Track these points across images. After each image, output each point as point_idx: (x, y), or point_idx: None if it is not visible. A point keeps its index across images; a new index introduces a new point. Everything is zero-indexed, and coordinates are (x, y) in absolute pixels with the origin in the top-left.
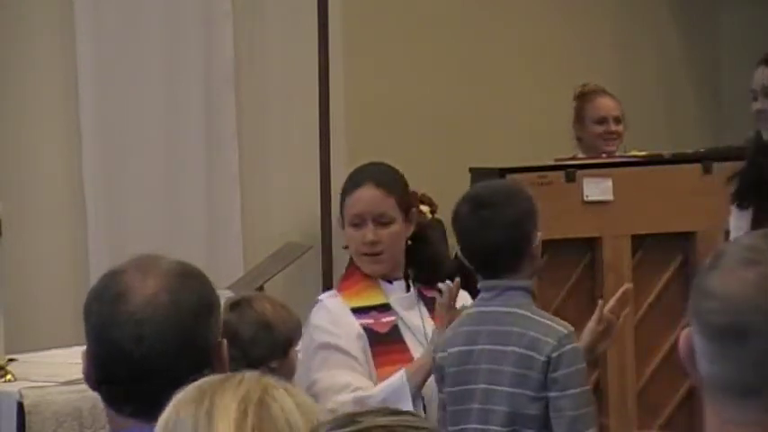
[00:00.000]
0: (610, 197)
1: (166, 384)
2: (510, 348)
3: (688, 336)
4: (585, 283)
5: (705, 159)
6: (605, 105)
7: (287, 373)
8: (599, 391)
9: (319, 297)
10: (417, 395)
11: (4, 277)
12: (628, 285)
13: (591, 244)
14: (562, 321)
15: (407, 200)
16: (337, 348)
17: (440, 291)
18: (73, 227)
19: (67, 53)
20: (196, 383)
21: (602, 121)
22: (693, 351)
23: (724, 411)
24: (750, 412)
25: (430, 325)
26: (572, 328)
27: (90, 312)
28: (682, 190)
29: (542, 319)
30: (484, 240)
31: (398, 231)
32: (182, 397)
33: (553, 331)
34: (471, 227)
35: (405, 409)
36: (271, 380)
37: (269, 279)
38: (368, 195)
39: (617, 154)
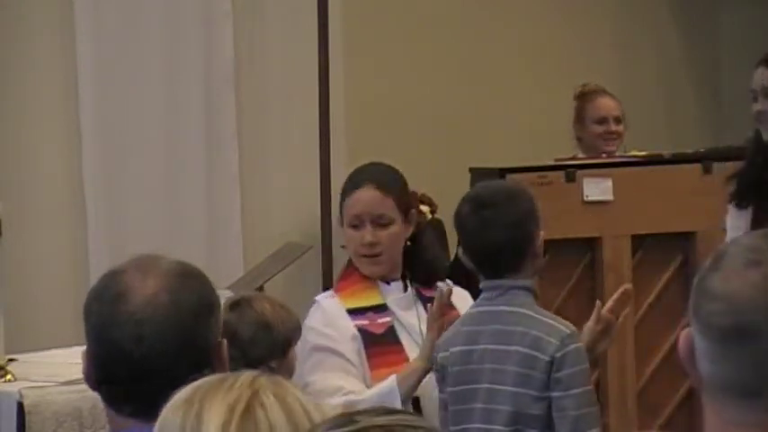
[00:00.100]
0: (610, 197)
1: (166, 384)
2: (513, 348)
3: (688, 336)
4: (585, 283)
5: (705, 159)
6: (605, 105)
7: (286, 373)
8: (599, 391)
9: (316, 298)
10: (408, 400)
11: (4, 277)
12: (627, 285)
13: (591, 244)
14: (565, 321)
15: (407, 201)
16: (331, 351)
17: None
18: (73, 227)
19: (67, 53)
20: (193, 384)
21: (603, 121)
22: (693, 351)
23: (724, 412)
24: (751, 413)
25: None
26: (575, 328)
27: (90, 312)
28: (682, 190)
29: (546, 319)
30: (486, 240)
31: (397, 232)
32: (175, 399)
33: (556, 331)
34: (474, 227)
35: None
36: (265, 382)
37: (269, 279)
38: (367, 196)
39: (617, 154)
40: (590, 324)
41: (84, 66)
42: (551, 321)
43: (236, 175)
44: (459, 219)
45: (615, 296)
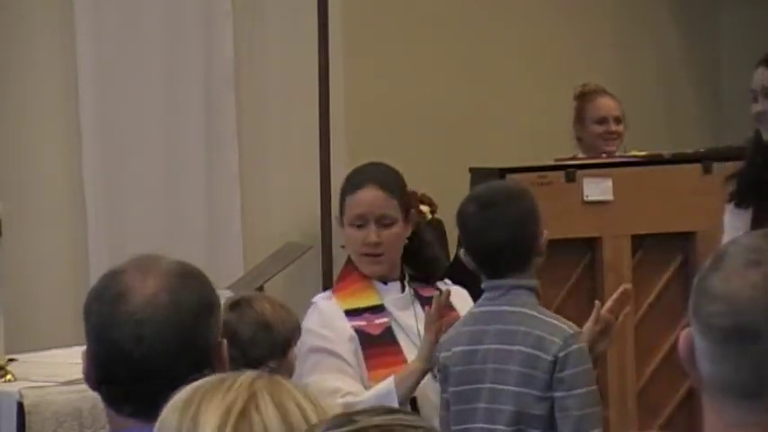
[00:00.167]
0: (610, 197)
1: (166, 384)
2: (516, 348)
3: (688, 336)
4: (585, 283)
5: (705, 159)
6: (605, 105)
7: (286, 372)
8: (599, 390)
9: (313, 299)
10: (405, 402)
11: (4, 277)
12: (626, 285)
13: (591, 244)
14: (568, 321)
15: (407, 201)
16: (328, 352)
17: (438, 290)
18: (73, 227)
19: (67, 53)
20: (193, 385)
21: (603, 121)
22: (693, 351)
23: (724, 412)
24: (751, 413)
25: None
26: (578, 328)
27: (90, 312)
28: (682, 190)
29: (548, 319)
30: (489, 239)
31: (399, 233)
32: (175, 399)
33: (559, 331)
34: (477, 226)
35: None
36: (264, 384)
37: (269, 279)
38: (370, 196)
39: (617, 154)
40: (589, 324)
41: (84, 66)
42: (554, 321)
43: (236, 175)
44: (461, 218)
45: (614, 296)
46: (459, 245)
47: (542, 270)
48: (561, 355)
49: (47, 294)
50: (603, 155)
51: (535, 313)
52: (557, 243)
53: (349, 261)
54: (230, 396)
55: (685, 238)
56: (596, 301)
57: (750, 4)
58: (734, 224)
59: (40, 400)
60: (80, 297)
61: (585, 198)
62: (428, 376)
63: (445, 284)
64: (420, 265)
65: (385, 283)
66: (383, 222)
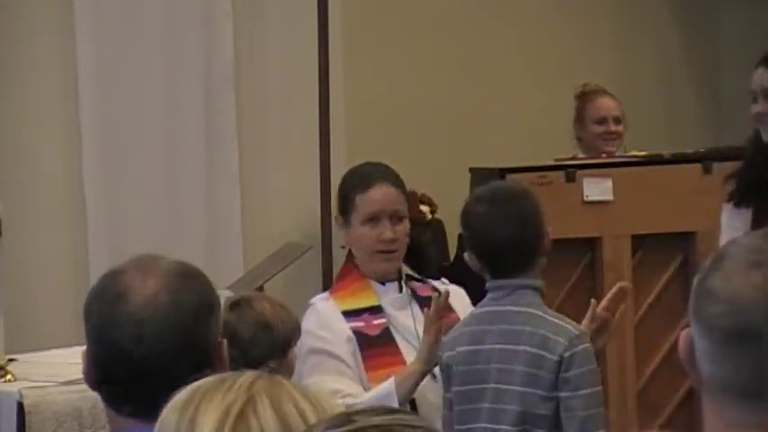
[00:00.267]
0: (610, 197)
1: (166, 384)
2: (521, 348)
3: (688, 336)
4: (585, 283)
5: (705, 159)
6: (605, 105)
7: (286, 372)
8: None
9: (311, 301)
10: (405, 403)
11: (4, 277)
12: (622, 283)
13: (591, 244)
14: (573, 321)
15: (408, 198)
16: (327, 353)
17: (435, 289)
18: (73, 227)
19: (67, 53)
20: (193, 386)
21: (602, 121)
22: (693, 351)
23: (724, 412)
24: (751, 413)
25: (422, 326)
26: (583, 329)
27: (90, 312)
28: (682, 190)
29: (554, 319)
30: (496, 239)
31: (407, 228)
32: (175, 400)
33: (565, 331)
34: (483, 226)
35: None
36: (263, 386)
37: (269, 279)
38: (384, 193)
39: (617, 154)
40: (585, 322)
41: (84, 66)
42: (559, 321)
43: (236, 175)
44: (467, 218)
45: (611, 293)
46: (460, 245)
47: (542, 270)
48: (567, 355)
49: (47, 294)
50: (603, 155)
51: (540, 313)
52: (557, 243)
53: (348, 261)
54: (229, 398)
55: (685, 238)
56: (592, 300)
57: (750, 4)
58: (732, 224)
59: (40, 400)
60: (80, 297)
61: (585, 198)
62: (427, 377)
63: (443, 284)
64: (418, 264)
65: (383, 284)
66: (396, 218)
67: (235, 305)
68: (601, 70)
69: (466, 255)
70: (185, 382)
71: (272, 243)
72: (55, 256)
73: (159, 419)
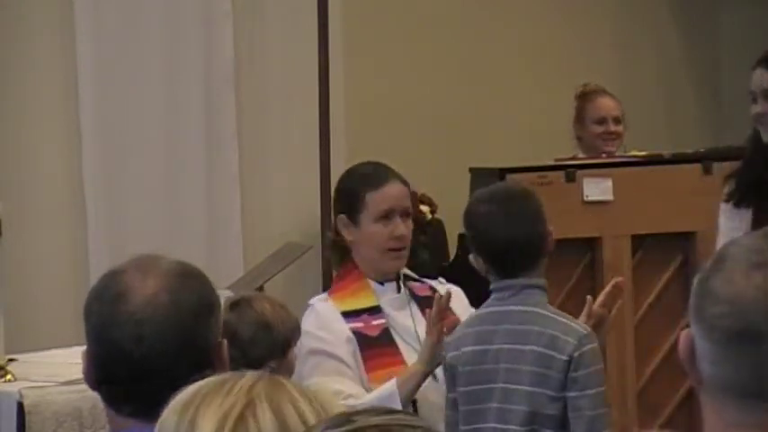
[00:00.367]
0: (610, 197)
1: (166, 384)
2: (529, 347)
3: (688, 336)
4: (585, 283)
5: (705, 159)
6: (605, 105)
7: (286, 372)
8: None
9: (310, 301)
10: (407, 404)
11: (4, 277)
12: (618, 279)
13: (591, 244)
14: (580, 321)
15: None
16: (328, 354)
17: (433, 289)
18: (73, 227)
19: (67, 53)
20: (193, 387)
21: (602, 121)
22: (693, 352)
23: (724, 412)
24: (752, 414)
25: (422, 326)
26: (590, 328)
27: (90, 312)
28: (682, 190)
29: (561, 318)
30: (502, 238)
31: (411, 227)
32: (175, 401)
33: (573, 330)
34: (489, 225)
35: None
36: (263, 388)
37: (269, 279)
38: (397, 190)
39: (617, 154)
40: (581, 319)
41: (84, 66)
42: (567, 321)
43: (236, 175)
44: (471, 219)
45: (606, 289)
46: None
47: (543, 270)
48: (576, 354)
49: (47, 294)
50: (603, 155)
51: (548, 313)
52: (557, 243)
53: (349, 260)
54: (229, 401)
55: (685, 238)
56: (588, 297)
57: (750, 4)
58: (729, 224)
59: (40, 400)
60: (80, 297)
61: (585, 198)
62: (429, 379)
63: (440, 283)
64: (417, 264)
65: (381, 284)
66: (405, 215)
67: (235, 305)
68: (601, 70)
69: (471, 256)
70: (185, 383)
71: (272, 243)
72: (55, 256)
73: (159, 421)
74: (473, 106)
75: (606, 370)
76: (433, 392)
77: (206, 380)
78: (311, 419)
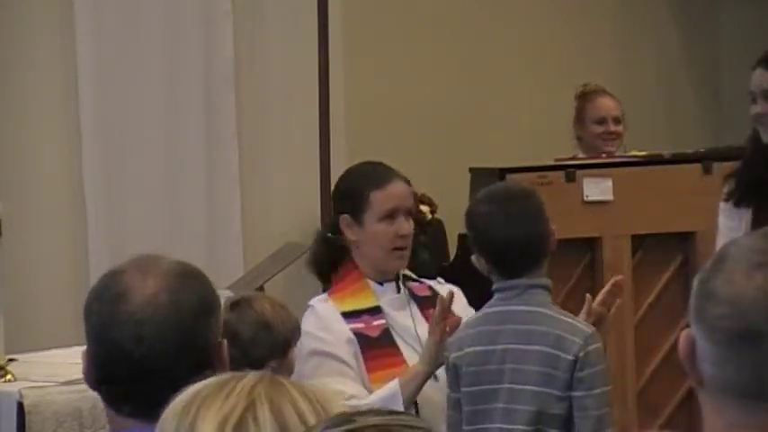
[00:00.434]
0: (610, 197)
1: (166, 384)
2: (534, 347)
3: (688, 337)
4: (585, 283)
5: (705, 159)
6: (605, 105)
7: (286, 372)
8: None
9: (310, 302)
10: (410, 404)
11: (4, 277)
12: (618, 277)
13: (591, 244)
14: (583, 321)
15: None
16: (328, 355)
17: (431, 289)
18: (73, 227)
19: (67, 53)
20: (194, 388)
21: (602, 121)
22: (694, 352)
23: (725, 412)
24: (752, 414)
25: (421, 326)
26: (594, 328)
27: (90, 312)
28: (682, 190)
29: (566, 318)
30: (505, 238)
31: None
32: (176, 402)
33: (579, 330)
34: (493, 225)
35: None
36: (264, 390)
37: (269, 279)
38: (401, 189)
39: (617, 154)
40: (581, 318)
41: (84, 66)
42: (572, 321)
43: (236, 175)
44: (473, 219)
45: (606, 288)
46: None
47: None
48: (582, 354)
49: (47, 294)
50: (603, 155)
51: (553, 313)
52: (557, 243)
53: (348, 261)
54: (229, 404)
55: (685, 238)
56: (587, 295)
57: (750, 4)
58: (729, 223)
59: (40, 400)
60: (80, 297)
61: (585, 198)
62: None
63: (439, 283)
64: (417, 264)
65: (381, 284)
66: (408, 214)
67: (235, 305)
68: (601, 70)
69: (473, 257)
70: (185, 383)
71: (272, 243)
72: (55, 256)
73: (159, 422)
74: (473, 106)
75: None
76: (437, 392)
77: (206, 381)
78: (312, 421)
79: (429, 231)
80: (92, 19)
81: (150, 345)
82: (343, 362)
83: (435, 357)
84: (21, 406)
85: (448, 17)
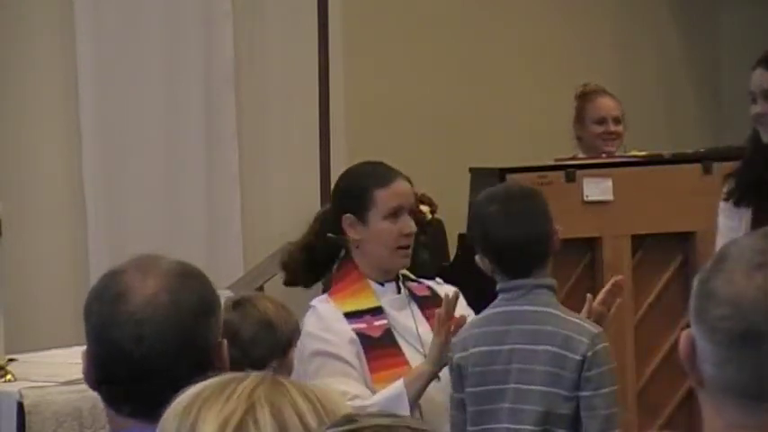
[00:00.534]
0: (610, 197)
1: (166, 384)
2: (542, 347)
3: (688, 337)
4: (585, 283)
5: (705, 159)
6: (605, 105)
7: (286, 372)
8: None
9: (311, 303)
10: (415, 405)
11: (4, 277)
12: (618, 277)
13: (591, 244)
14: (589, 320)
15: None
16: (331, 355)
17: (430, 288)
18: (73, 227)
19: (67, 53)
20: (194, 389)
21: (602, 121)
22: (694, 352)
23: (725, 412)
24: (752, 414)
25: (423, 326)
26: (601, 328)
27: (90, 312)
28: (682, 190)
29: (573, 318)
30: (511, 238)
31: None
32: (176, 403)
33: (586, 330)
34: (496, 225)
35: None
36: (265, 392)
37: (269, 279)
38: (405, 187)
39: (617, 154)
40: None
41: (84, 66)
42: (579, 321)
43: (236, 175)
44: (477, 219)
45: (606, 287)
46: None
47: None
48: (589, 354)
49: (47, 294)
50: (603, 155)
51: (559, 313)
52: None
53: (348, 261)
54: (229, 406)
55: (685, 238)
56: (588, 294)
57: (750, 4)
58: (729, 223)
59: (40, 400)
60: (80, 297)
61: (585, 198)
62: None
63: (437, 284)
64: (417, 264)
65: (381, 284)
66: (411, 213)
67: (237, 305)
68: (601, 70)
69: (477, 257)
70: (186, 383)
71: (272, 243)
72: (55, 256)
73: (160, 422)
74: (473, 106)
75: None
76: (440, 393)
77: (207, 382)
78: (312, 422)
79: (429, 231)
80: (92, 19)
81: (150, 345)
82: (347, 362)
83: (440, 357)
84: (21, 406)
85: (448, 17)
